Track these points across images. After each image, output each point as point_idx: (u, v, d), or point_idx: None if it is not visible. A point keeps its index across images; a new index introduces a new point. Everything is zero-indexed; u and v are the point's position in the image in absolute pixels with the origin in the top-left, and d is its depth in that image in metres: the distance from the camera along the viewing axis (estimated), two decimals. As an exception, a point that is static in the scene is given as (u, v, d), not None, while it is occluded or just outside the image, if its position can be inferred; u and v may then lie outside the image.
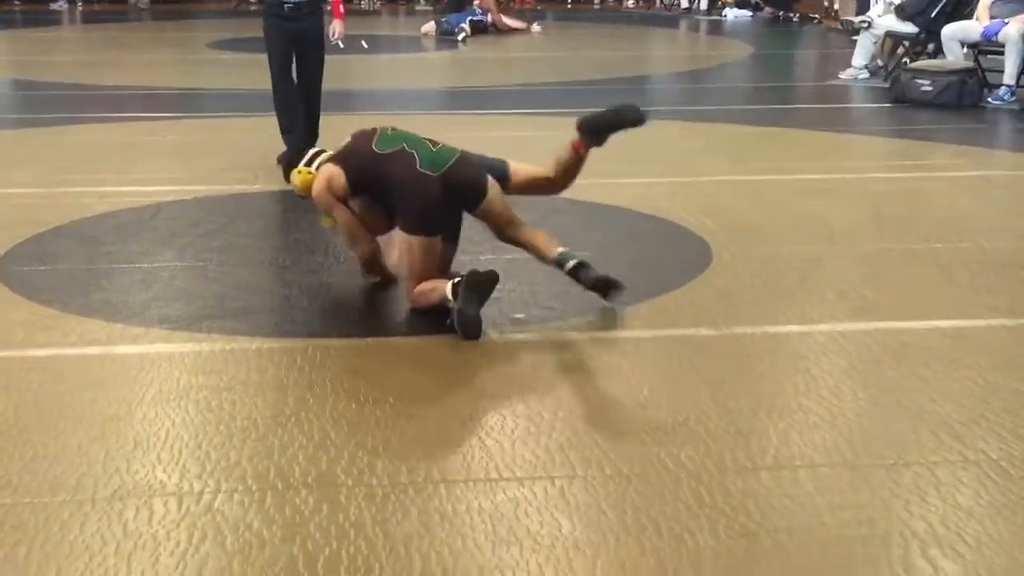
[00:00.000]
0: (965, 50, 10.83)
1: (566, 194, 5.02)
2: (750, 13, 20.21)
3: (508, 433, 3.52)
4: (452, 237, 4.76)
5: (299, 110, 7.28)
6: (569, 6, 23.34)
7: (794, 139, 8.72)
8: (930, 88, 10.07)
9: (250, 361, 4.14)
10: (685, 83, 12.94)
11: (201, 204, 6.26)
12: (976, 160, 7.99)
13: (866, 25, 12.06)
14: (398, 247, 4.62)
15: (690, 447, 3.42)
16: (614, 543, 2.90)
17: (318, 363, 4.10)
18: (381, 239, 4.84)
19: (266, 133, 8.00)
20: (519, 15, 19.08)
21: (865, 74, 11.90)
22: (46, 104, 10.48)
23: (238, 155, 7.69)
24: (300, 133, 7.21)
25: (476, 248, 5.10)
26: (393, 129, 4.77)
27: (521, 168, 4.83)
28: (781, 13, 19.89)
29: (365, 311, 4.75)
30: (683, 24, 19.73)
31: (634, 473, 3.26)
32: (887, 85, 10.94)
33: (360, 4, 21.77)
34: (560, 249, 4.65)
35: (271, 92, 7.32)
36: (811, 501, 3.11)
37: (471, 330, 4.28)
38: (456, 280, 4.38)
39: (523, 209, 4.82)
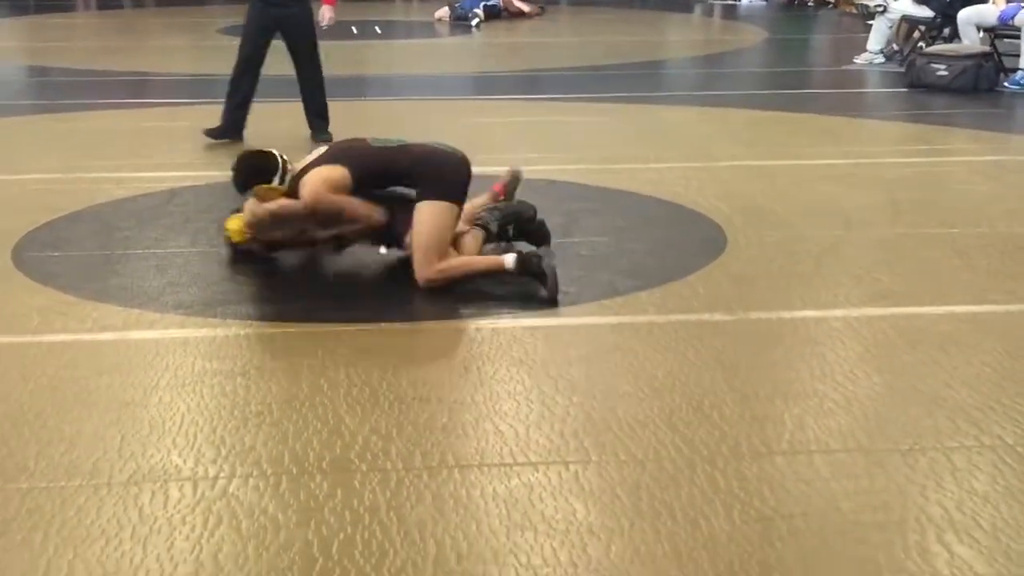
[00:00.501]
0: (981, 34, 10.77)
1: (580, 179, 5.01)
2: (765, -2, 20.11)
3: (522, 418, 3.52)
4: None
5: (244, 106, 7.49)
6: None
7: (809, 124, 8.68)
8: (946, 72, 10.01)
9: (264, 346, 4.14)
10: (700, 68, 12.89)
11: (215, 190, 6.26)
12: (992, 145, 7.95)
13: (881, 9, 12.01)
14: (421, 220, 4.64)
15: (705, 432, 3.41)
16: (628, 528, 2.90)
17: (331, 348, 4.10)
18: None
19: (280, 119, 8.01)
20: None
21: (880, 59, 11.84)
22: (61, 90, 10.49)
23: (252, 141, 7.69)
24: (226, 124, 7.46)
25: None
26: (375, 138, 4.92)
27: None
28: (796, -3, 19.79)
29: (377, 296, 4.75)
30: (697, 9, 19.64)
31: (648, 458, 3.26)
32: (902, 70, 10.88)
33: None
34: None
35: (250, 77, 7.48)
36: (826, 486, 3.11)
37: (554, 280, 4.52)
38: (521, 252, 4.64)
39: (540, 196, 4.81)
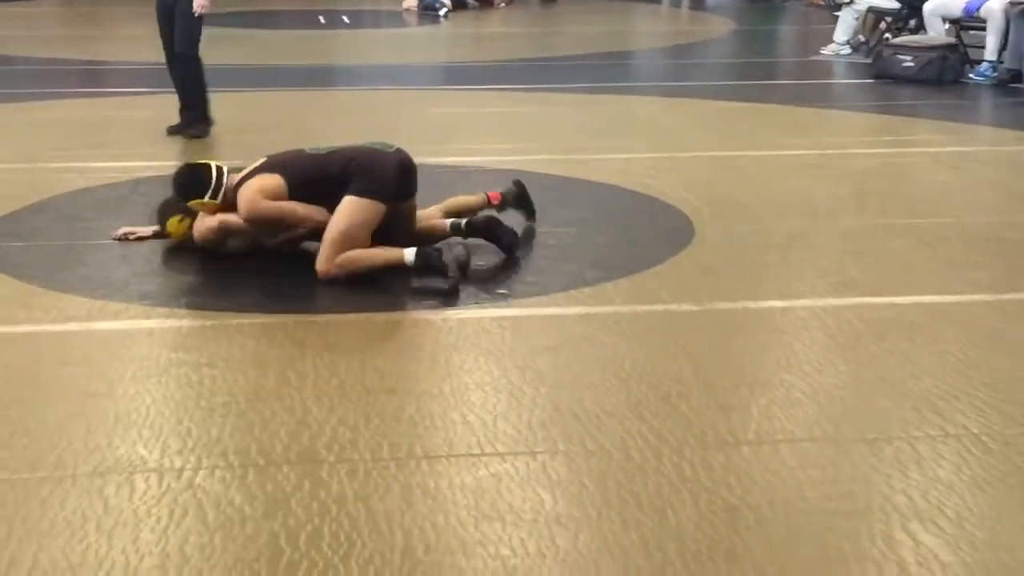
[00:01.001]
0: (947, 26, 10.84)
1: (548, 169, 5.01)
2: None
3: (490, 409, 3.52)
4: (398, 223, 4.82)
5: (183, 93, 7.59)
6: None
7: (776, 115, 8.71)
8: (912, 64, 10.07)
9: (231, 337, 4.12)
10: (667, 59, 12.91)
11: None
12: (957, 136, 8.00)
13: (848, 0, 12.05)
14: (337, 214, 4.69)
15: (672, 422, 3.42)
16: (596, 518, 2.90)
17: (299, 339, 4.08)
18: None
19: (245, 109, 7.96)
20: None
21: (847, 50, 11.89)
22: (22, 80, 10.39)
23: (215, 130, 7.64)
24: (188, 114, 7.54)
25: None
26: (312, 147, 4.99)
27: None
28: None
29: (345, 287, 4.73)
30: (665, 0, 19.68)
31: (616, 448, 3.26)
32: (869, 61, 10.94)
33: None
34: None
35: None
36: (792, 476, 3.12)
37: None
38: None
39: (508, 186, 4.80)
